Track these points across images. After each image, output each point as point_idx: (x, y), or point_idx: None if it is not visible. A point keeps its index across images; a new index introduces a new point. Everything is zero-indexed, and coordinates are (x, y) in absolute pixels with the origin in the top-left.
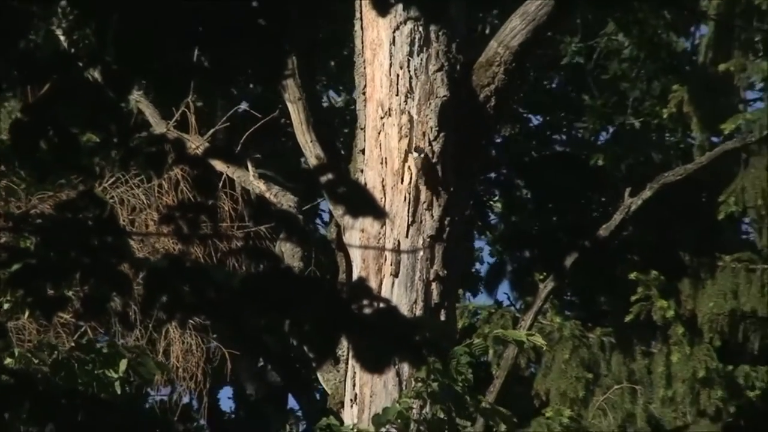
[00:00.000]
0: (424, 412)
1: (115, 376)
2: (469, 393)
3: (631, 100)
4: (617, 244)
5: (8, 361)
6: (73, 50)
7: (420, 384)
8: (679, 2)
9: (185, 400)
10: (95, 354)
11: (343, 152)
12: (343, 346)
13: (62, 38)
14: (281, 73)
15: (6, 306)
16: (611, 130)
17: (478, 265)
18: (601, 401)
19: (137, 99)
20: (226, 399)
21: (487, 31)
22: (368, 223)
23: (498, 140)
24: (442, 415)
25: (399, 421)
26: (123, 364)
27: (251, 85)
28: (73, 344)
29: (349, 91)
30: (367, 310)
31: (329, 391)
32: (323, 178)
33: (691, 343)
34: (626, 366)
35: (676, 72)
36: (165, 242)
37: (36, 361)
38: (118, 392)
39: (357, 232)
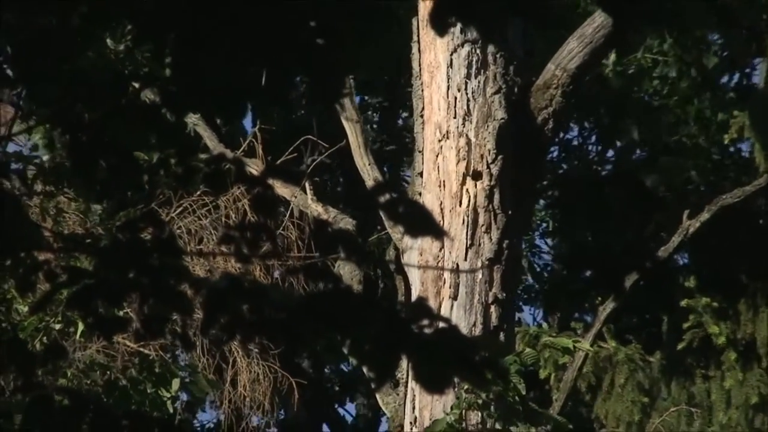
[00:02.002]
0: (477, 422)
1: (168, 395)
2: (521, 403)
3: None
4: (676, 267)
5: (61, 381)
6: (128, 70)
7: (471, 395)
8: (738, 22)
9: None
10: (148, 373)
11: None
12: (402, 369)
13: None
14: (339, 93)
15: (57, 327)
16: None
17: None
18: (657, 423)
19: (195, 122)
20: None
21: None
22: (427, 246)
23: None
24: (495, 425)
25: None
26: (176, 383)
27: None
28: (126, 362)
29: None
30: (427, 330)
31: (389, 414)
32: (381, 198)
33: (744, 369)
34: (686, 390)
35: (711, 89)
36: (231, 268)
37: (88, 381)
38: (171, 411)
39: (415, 253)
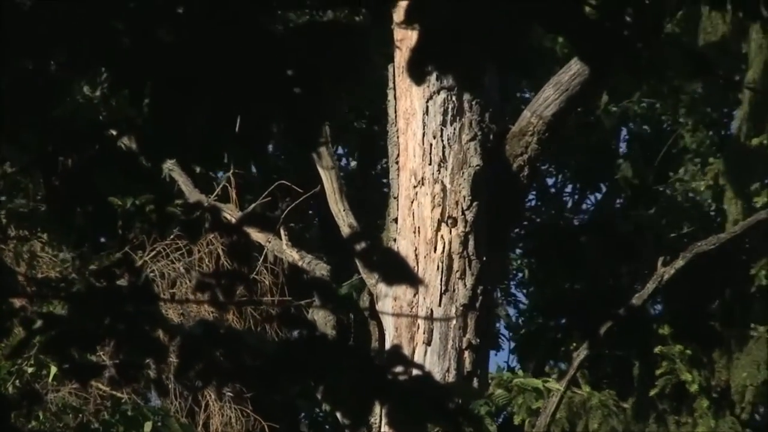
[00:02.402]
0: None
1: None
2: None
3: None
4: (651, 315)
5: (33, 423)
6: (104, 116)
7: None
8: (715, 72)
9: None
10: (120, 416)
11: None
12: (375, 414)
13: (86, 98)
14: (317, 141)
15: (30, 370)
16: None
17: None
18: None
19: (170, 168)
20: None
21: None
22: (401, 292)
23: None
24: None
25: None
26: (148, 427)
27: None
28: (99, 406)
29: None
30: (401, 377)
31: None
32: (357, 247)
33: (716, 416)
34: None
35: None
36: (205, 314)
37: (60, 424)
38: None
39: (390, 300)
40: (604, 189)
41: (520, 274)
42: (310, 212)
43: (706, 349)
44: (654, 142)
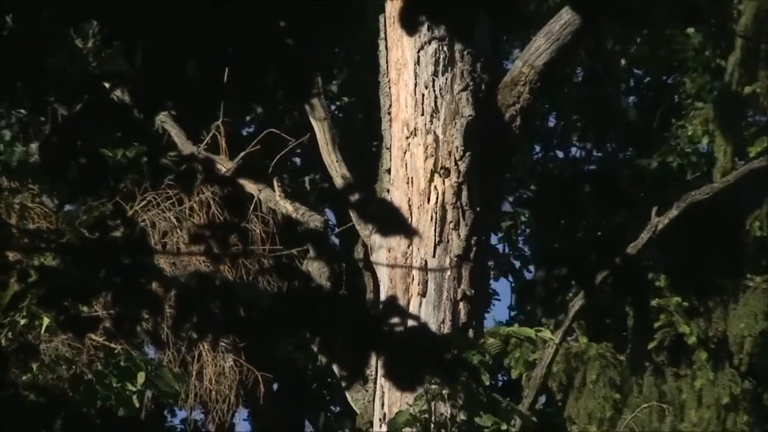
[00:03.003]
0: (442, 414)
1: (134, 389)
2: (484, 394)
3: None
4: (646, 264)
5: (26, 376)
6: (97, 69)
7: (436, 386)
8: (708, 20)
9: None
10: (113, 367)
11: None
12: (372, 366)
13: (85, 54)
14: (309, 92)
15: (23, 322)
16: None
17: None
18: (629, 420)
19: (162, 119)
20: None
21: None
22: (395, 243)
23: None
24: (460, 415)
25: (418, 424)
26: (141, 377)
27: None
28: (92, 357)
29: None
30: (398, 328)
31: (358, 411)
32: (352, 198)
33: (715, 369)
34: (657, 387)
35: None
36: (197, 265)
37: (53, 376)
38: (136, 405)
39: (384, 251)
40: (608, 144)
41: (528, 229)
42: (313, 156)
43: (703, 298)
44: (658, 90)
